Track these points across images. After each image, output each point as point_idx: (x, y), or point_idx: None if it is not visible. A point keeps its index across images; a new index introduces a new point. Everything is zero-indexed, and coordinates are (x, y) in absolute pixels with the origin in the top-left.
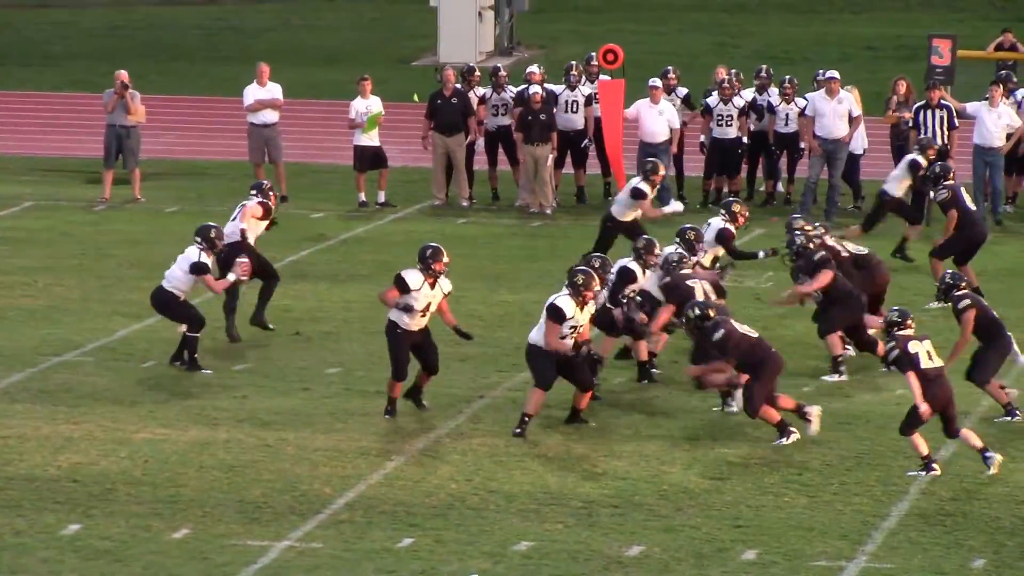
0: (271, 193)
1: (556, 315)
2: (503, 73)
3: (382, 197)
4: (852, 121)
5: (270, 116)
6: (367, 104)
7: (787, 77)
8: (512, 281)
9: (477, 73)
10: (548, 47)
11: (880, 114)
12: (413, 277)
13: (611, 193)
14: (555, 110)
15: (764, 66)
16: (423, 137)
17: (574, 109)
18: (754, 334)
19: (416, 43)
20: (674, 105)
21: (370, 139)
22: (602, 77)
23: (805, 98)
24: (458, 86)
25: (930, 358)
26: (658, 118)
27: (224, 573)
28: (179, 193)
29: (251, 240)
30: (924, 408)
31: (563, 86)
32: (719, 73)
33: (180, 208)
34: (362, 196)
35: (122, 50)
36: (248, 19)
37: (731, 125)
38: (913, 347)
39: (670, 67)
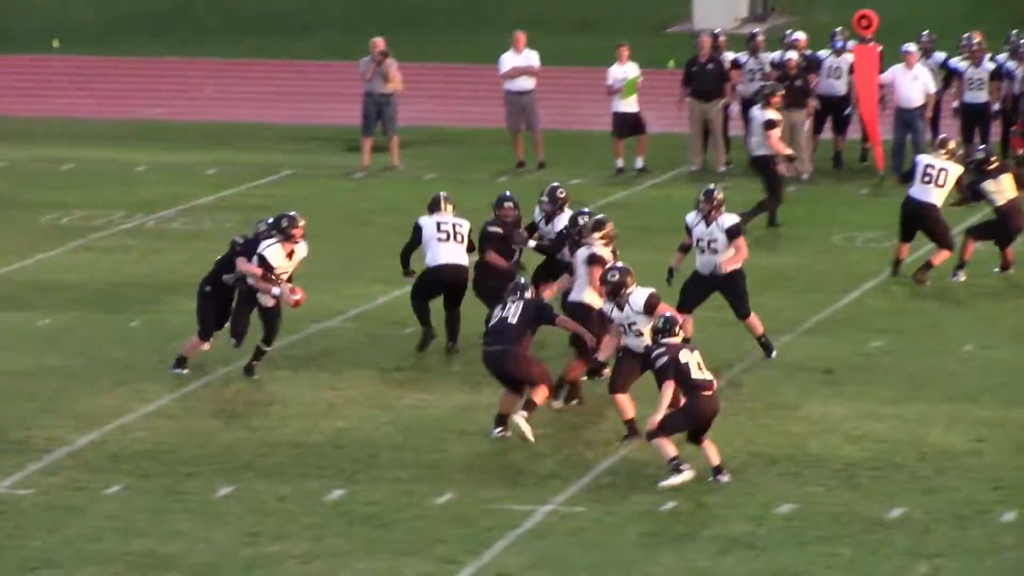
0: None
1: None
2: (760, 38)
3: (640, 163)
4: None
5: (527, 83)
6: (624, 70)
7: (1022, 41)
8: (770, 246)
9: (723, 38)
10: (802, 12)
11: None
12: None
13: (867, 158)
14: (818, 76)
15: (1015, 31)
16: (679, 102)
17: (837, 75)
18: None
19: (670, 10)
20: (930, 70)
21: (628, 105)
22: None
23: None
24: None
25: (700, 369)
26: (913, 83)
27: (488, 537)
28: (437, 161)
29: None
30: (659, 419)
31: (828, 52)
32: (975, 36)
33: (438, 175)
34: (619, 162)
35: (376, 18)
36: None
37: (981, 89)
38: (684, 357)
39: (925, 31)
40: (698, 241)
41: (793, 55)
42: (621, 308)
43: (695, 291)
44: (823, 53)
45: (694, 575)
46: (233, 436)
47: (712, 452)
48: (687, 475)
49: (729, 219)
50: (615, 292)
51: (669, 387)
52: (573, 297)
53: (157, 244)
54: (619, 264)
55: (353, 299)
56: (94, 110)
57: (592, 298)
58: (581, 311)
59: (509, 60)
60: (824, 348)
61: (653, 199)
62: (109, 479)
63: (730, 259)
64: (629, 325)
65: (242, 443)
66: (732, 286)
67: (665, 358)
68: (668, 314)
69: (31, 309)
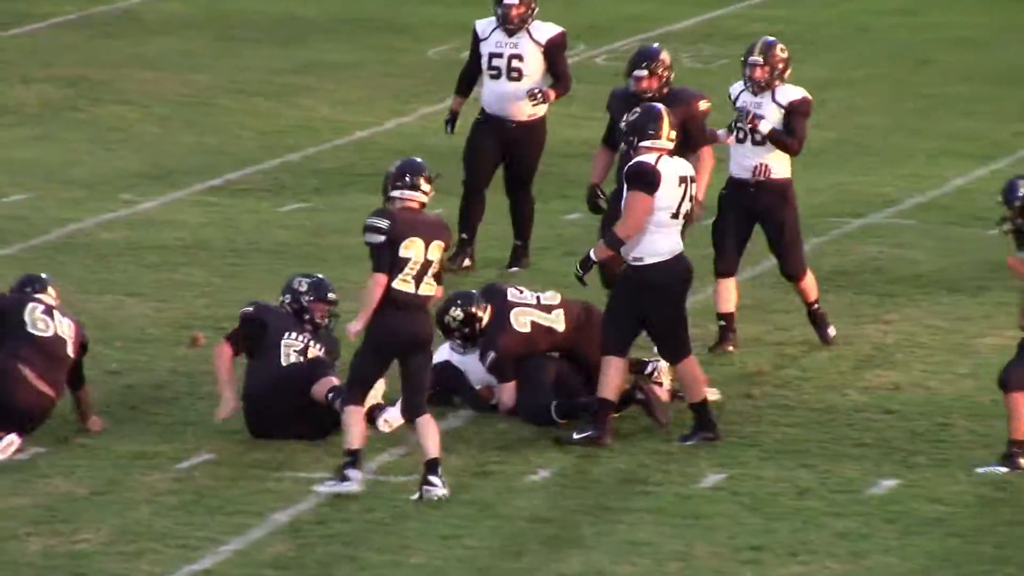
0: None
1: None
2: None
3: None
4: None
5: None
6: None
7: None
8: None
9: None
10: None
11: None
12: None
13: None
14: None
15: None
16: None
17: None
18: None
19: None
20: None
21: None
22: None
23: None
24: None
25: (428, 280)
26: None
27: None
28: None
29: None
30: None
31: None
32: None
33: None
34: None
35: None
36: None
37: None
38: (408, 251)
39: None
40: None
41: None
42: None
43: None
44: None
45: None
46: (728, 397)
47: (428, 439)
48: (350, 487)
49: None
50: None
51: (376, 280)
52: None
53: None
54: None
55: (909, 182)
56: None
57: None
58: None
59: None
60: None
61: None
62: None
63: None
64: None
65: (741, 408)
66: None
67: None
68: None
69: None
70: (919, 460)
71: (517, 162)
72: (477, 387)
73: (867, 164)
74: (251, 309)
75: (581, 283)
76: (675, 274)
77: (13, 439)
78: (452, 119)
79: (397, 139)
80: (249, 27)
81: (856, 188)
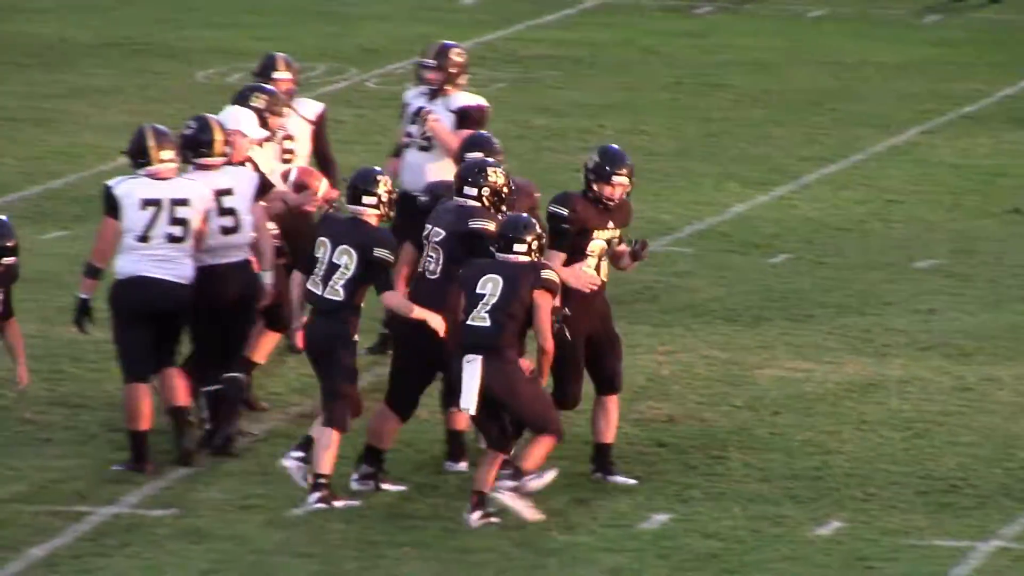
0: None
1: None
2: None
3: None
4: None
5: None
6: None
7: None
8: None
9: None
10: None
11: None
12: None
13: None
14: None
15: None
16: None
17: None
18: None
19: None
20: None
21: None
22: None
23: None
24: None
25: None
26: None
27: None
28: None
29: None
30: None
31: None
32: None
33: (827, 11)
34: None
35: None
36: None
37: None
38: None
39: None
40: None
41: None
42: None
43: None
44: None
45: None
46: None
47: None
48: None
49: None
50: None
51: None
52: None
53: None
54: None
55: (692, 209)
56: None
57: None
58: None
59: None
60: None
61: None
62: None
63: None
64: None
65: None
66: None
67: None
68: None
69: None
70: (693, 494)
71: None
72: None
73: (649, 191)
74: None
75: (81, 329)
76: (124, 298)
77: None
78: None
79: None
80: (13, 51)
81: (635, 215)
